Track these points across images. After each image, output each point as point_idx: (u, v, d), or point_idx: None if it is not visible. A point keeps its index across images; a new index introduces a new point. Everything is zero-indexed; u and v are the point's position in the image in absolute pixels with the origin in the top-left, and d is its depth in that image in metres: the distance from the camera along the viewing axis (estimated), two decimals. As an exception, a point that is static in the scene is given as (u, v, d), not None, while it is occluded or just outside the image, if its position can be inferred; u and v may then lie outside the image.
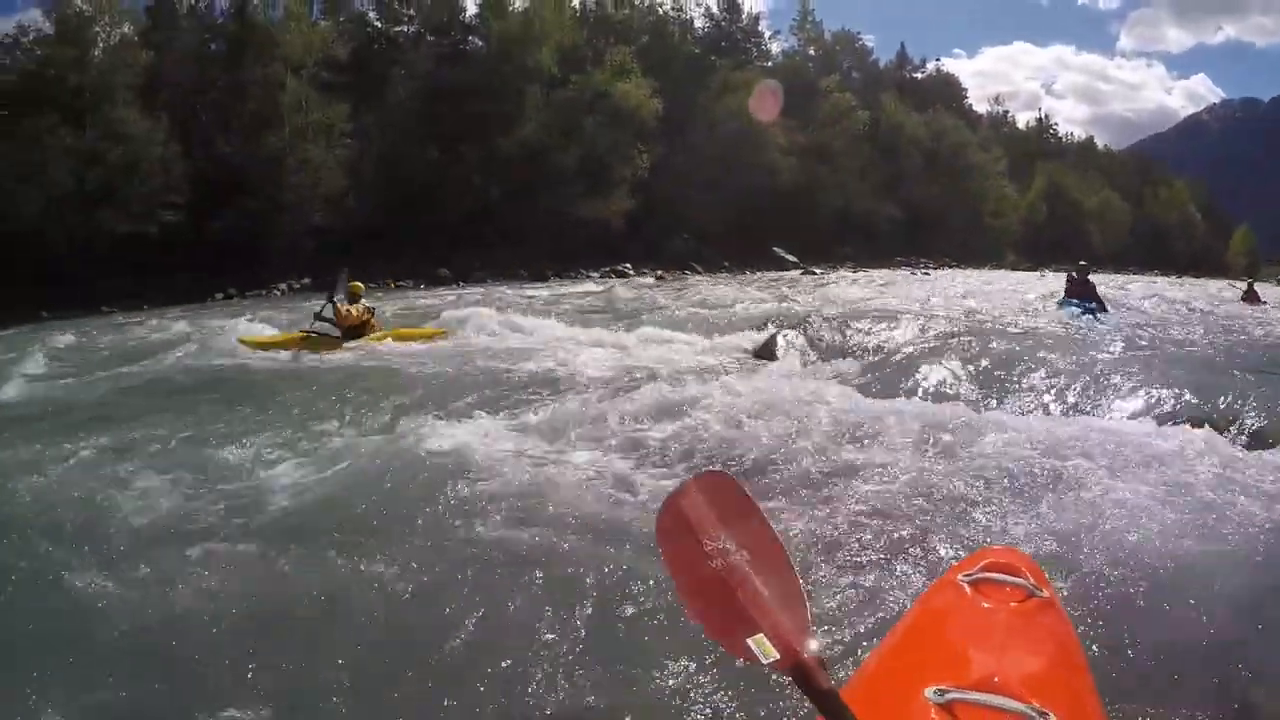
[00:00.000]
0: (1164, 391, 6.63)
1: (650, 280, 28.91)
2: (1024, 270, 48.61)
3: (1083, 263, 16.43)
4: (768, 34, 60.73)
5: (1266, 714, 2.81)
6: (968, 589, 2.26)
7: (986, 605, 2.19)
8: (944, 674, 1.73)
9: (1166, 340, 9.45)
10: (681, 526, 2.03)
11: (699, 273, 34.42)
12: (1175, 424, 5.93)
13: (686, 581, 1.98)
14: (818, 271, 35.25)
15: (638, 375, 8.17)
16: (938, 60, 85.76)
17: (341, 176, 30.33)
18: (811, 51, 62.98)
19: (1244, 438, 5.66)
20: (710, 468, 2.27)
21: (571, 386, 7.70)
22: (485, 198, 33.42)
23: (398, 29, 39.57)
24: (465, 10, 40.73)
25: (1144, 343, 8.96)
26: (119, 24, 29.24)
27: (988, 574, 2.31)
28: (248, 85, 30.57)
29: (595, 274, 30.42)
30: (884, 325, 10.46)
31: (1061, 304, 15.35)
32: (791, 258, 40.41)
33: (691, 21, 52.25)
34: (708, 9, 55.01)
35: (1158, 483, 4.57)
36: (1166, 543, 3.89)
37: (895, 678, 1.91)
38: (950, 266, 49.15)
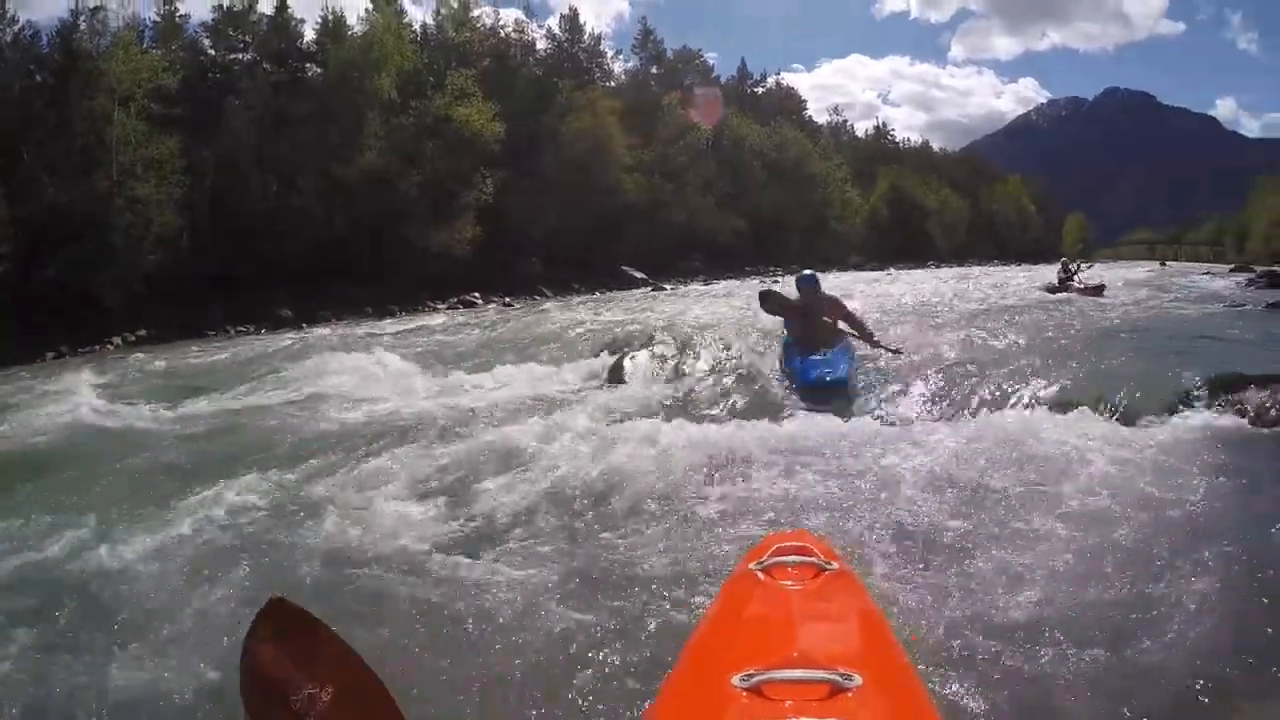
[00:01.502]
0: (933, 390, 7.92)
1: (498, 308, 29.06)
2: (869, 270, 51.45)
3: (806, 272, 10.06)
4: (610, 54, 60.96)
5: (1070, 666, 3.00)
6: (761, 575, 2.40)
7: (781, 586, 2.32)
8: (749, 658, 1.80)
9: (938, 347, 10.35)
10: (266, 694, 2.02)
11: (549, 296, 34.55)
12: (941, 420, 7.00)
13: None
14: (667, 288, 36.10)
15: (464, 415, 8.06)
16: (778, 74, 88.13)
17: (174, 215, 29.06)
18: (654, 70, 63.98)
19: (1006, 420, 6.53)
20: (271, 598, 2.11)
21: (373, 436, 7.35)
22: (327, 232, 32.63)
23: (232, 57, 38.27)
24: (303, 37, 39.88)
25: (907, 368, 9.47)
26: (-67, 55, 27.45)
27: (778, 557, 2.47)
28: (74, 120, 29.08)
29: (442, 305, 30.14)
30: (722, 339, 11.14)
31: (785, 357, 9.32)
32: (641, 275, 41.09)
33: (534, 43, 52.08)
34: (550, 30, 55.26)
35: (935, 466, 5.33)
36: (951, 512, 4.51)
37: (703, 671, 1.98)
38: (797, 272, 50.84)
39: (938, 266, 62.45)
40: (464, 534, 4.74)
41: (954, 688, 2.84)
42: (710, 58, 77.36)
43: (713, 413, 8.00)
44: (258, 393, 11.19)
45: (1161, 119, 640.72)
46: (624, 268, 41.30)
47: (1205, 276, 34.01)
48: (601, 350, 11.67)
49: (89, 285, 25.38)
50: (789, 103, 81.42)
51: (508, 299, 31.96)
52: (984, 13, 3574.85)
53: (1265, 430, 5.88)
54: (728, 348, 10.63)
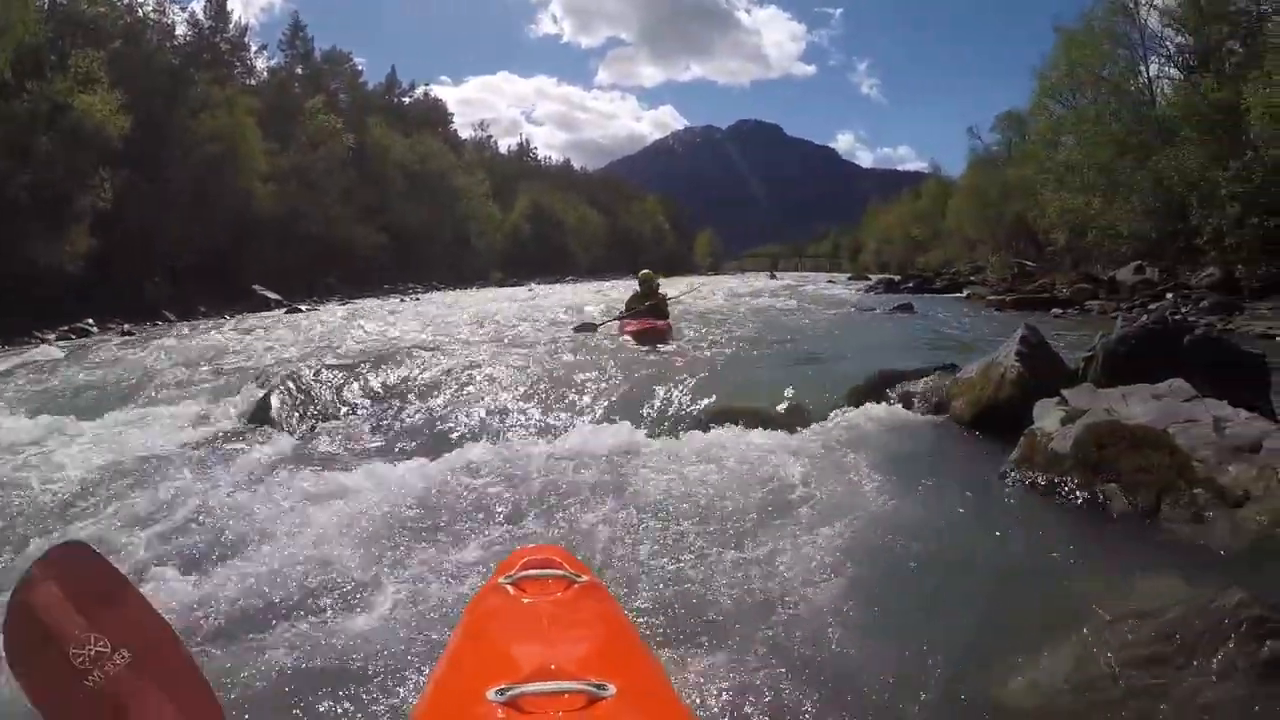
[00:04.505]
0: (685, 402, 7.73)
1: (116, 338, 26.21)
2: (509, 286, 54.81)
3: None
4: (254, 48, 56.89)
5: (819, 661, 3.07)
6: (510, 589, 2.42)
7: (531, 600, 2.35)
8: (502, 672, 1.78)
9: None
10: (39, 636, 1.78)
11: (173, 320, 31.23)
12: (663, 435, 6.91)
13: (59, 714, 1.78)
14: (304, 308, 34.23)
15: (75, 480, 6.40)
16: (426, 85, 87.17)
17: None
18: (300, 70, 61.56)
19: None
20: (65, 540, 1.90)
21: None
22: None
23: None
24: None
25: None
26: None
27: (527, 571, 2.51)
28: None
29: (51, 335, 26.69)
30: (376, 362, 10.39)
31: None
32: (274, 295, 38.62)
33: (173, 28, 46.78)
34: (193, 15, 50.07)
35: (664, 473, 5.49)
36: (693, 519, 4.64)
37: (456, 687, 1.95)
38: (439, 289, 52.01)
39: (576, 281, 66.00)
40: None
41: (706, 690, 2.86)
42: (360, 62, 75.08)
43: (391, 447, 7.31)
44: None
45: (787, 148, 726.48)
46: (255, 287, 38.52)
47: (828, 284, 42.06)
48: (241, 387, 10.19)
49: None
50: (435, 115, 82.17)
51: (127, 325, 28.92)
52: (633, 42, 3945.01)
53: (922, 415, 6.77)
54: (372, 376, 9.84)
